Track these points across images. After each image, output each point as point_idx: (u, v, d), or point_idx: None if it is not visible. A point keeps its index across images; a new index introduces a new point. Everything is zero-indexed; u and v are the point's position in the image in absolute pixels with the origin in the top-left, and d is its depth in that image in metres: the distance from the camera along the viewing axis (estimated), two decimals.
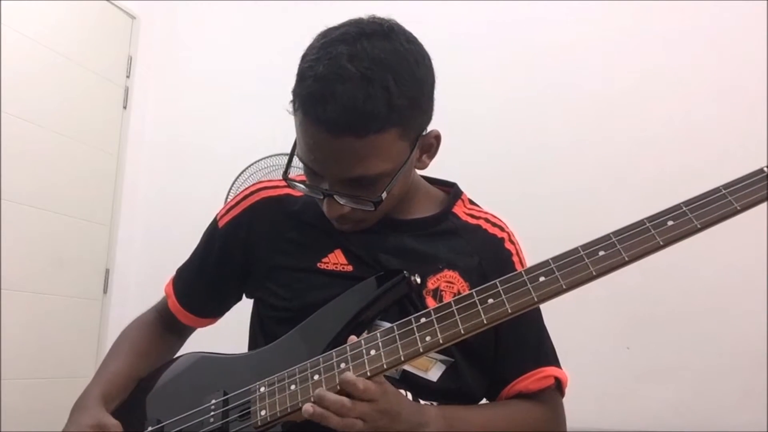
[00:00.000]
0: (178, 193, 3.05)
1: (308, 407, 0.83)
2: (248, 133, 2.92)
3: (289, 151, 0.95)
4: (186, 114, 3.14)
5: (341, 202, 0.91)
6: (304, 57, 0.90)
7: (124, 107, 3.08)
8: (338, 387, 0.84)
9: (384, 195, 0.90)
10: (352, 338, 0.88)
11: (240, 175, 2.73)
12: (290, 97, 0.91)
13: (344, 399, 0.82)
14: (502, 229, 1.07)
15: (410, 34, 0.93)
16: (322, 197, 0.93)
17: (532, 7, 2.63)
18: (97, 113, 2.94)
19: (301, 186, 0.95)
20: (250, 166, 2.72)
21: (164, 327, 1.17)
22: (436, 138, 0.97)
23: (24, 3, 2.57)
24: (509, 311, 0.82)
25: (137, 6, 3.11)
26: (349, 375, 0.83)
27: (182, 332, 1.20)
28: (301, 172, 0.96)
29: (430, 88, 0.93)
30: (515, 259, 1.04)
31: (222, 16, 3.17)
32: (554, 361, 1.04)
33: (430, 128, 0.97)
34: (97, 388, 1.04)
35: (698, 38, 2.42)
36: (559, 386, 1.04)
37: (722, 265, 2.21)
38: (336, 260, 1.00)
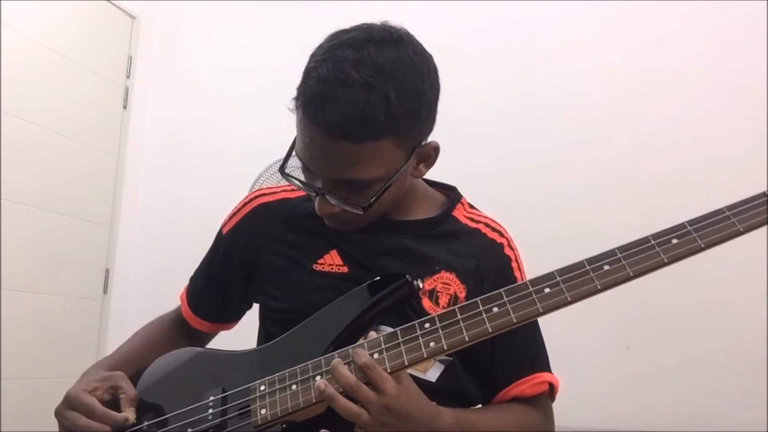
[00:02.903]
0: (178, 193, 3.05)
1: (321, 383, 0.83)
2: (248, 133, 2.92)
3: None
4: (186, 114, 3.14)
5: (332, 202, 0.92)
6: (312, 56, 0.91)
7: (124, 107, 3.08)
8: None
9: (373, 200, 0.91)
10: (372, 334, 0.88)
11: (262, 173, 2.69)
12: (291, 97, 0.92)
13: (351, 377, 0.82)
14: (501, 234, 1.07)
15: (419, 44, 0.93)
16: (314, 195, 0.94)
17: (532, 8, 2.63)
18: (97, 113, 2.95)
19: (296, 182, 0.96)
20: (271, 165, 2.67)
21: (179, 331, 1.18)
22: (435, 149, 0.98)
23: (24, 3, 2.57)
24: (514, 320, 0.83)
25: (137, 6, 3.11)
26: (369, 359, 0.83)
27: (198, 338, 1.20)
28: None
29: (432, 100, 0.93)
30: (514, 265, 1.05)
31: (222, 16, 3.17)
32: (547, 367, 1.06)
33: (431, 138, 0.97)
34: (104, 362, 1.08)
35: (699, 39, 2.42)
36: (551, 392, 1.06)
37: (722, 265, 2.21)
38: (332, 261, 1.00)
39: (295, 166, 0.97)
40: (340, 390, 0.82)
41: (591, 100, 2.52)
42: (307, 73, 0.89)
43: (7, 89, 2.48)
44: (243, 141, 2.93)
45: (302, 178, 0.96)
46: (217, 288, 1.14)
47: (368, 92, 0.85)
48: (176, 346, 1.15)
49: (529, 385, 1.02)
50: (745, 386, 2.19)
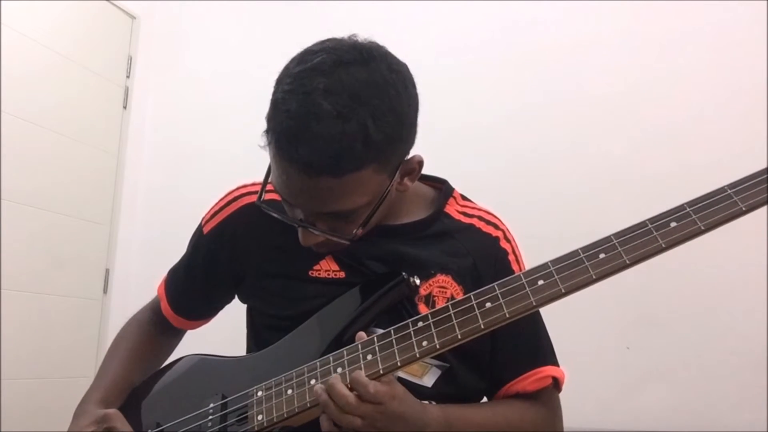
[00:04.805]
0: (178, 193, 3.05)
1: (318, 389, 0.83)
2: (248, 133, 2.90)
3: None
4: (186, 114, 3.13)
5: (316, 233, 0.90)
6: (278, 82, 0.87)
7: (124, 107, 3.07)
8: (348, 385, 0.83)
9: (358, 231, 0.89)
10: (361, 335, 0.88)
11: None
12: None
13: (351, 396, 0.81)
14: (496, 227, 1.05)
15: (392, 58, 0.88)
16: (297, 226, 0.92)
17: (532, 9, 2.63)
18: (97, 113, 2.94)
19: (276, 216, 0.93)
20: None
21: (159, 328, 1.18)
22: (419, 163, 0.94)
23: (24, 3, 2.57)
24: (507, 316, 0.81)
25: (137, 6, 3.11)
26: (362, 376, 0.83)
27: (177, 332, 1.21)
28: None
29: (412, 117, 0.89)
30: (511, 258, 1.03)
31: (222, 16, 3.16)
32: (551, 360, 1.03)
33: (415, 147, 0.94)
34: (97, 394, 1.05)
35: (698, 39, 2.42)
36: (556, 385, 1.04)
37: (722, 265, 2.21)
38: (328, 267, 0.99)
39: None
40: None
41: (591, 100, 2.52)
42: (276, 106, 0.84)
43: (7, 89, 2.47)
44: (243, 141, 2.91)
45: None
46: (200, 289, 1.12)
47: (343, 123, 0.80)
48: (161, 350, 1.17)
49: (530, 380, 1.00)
50: (745, 386, 2.18)
